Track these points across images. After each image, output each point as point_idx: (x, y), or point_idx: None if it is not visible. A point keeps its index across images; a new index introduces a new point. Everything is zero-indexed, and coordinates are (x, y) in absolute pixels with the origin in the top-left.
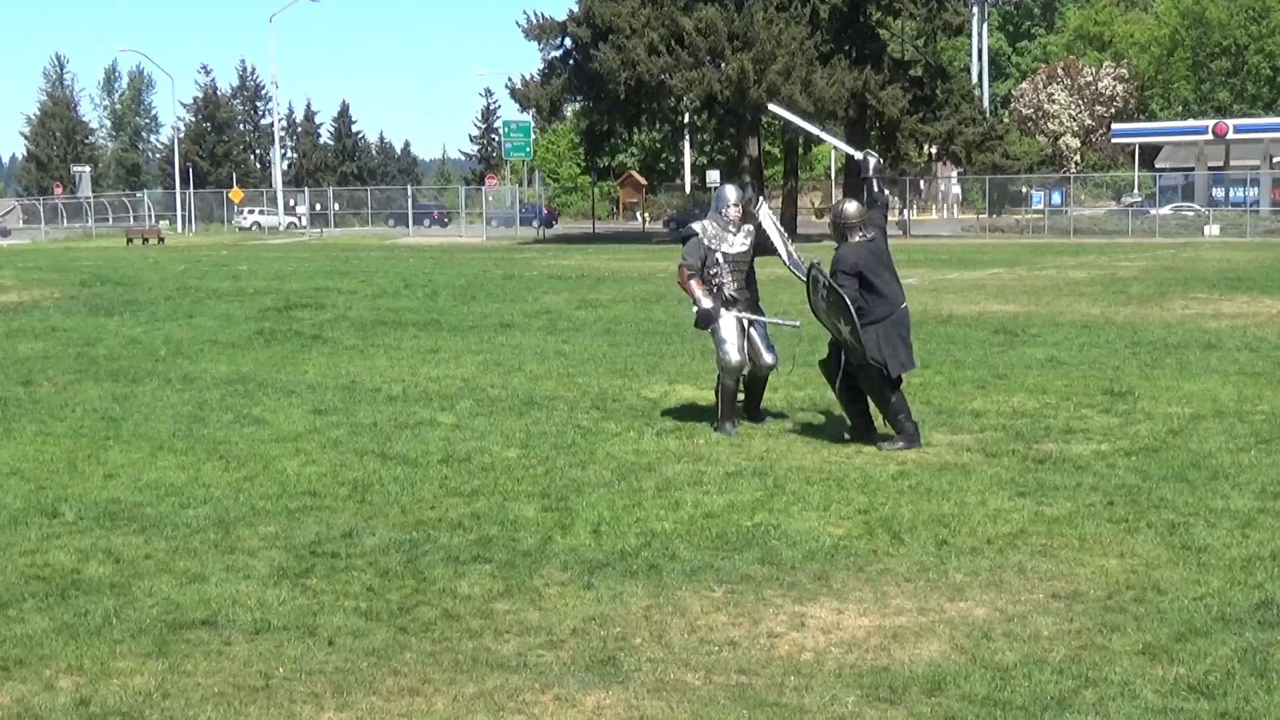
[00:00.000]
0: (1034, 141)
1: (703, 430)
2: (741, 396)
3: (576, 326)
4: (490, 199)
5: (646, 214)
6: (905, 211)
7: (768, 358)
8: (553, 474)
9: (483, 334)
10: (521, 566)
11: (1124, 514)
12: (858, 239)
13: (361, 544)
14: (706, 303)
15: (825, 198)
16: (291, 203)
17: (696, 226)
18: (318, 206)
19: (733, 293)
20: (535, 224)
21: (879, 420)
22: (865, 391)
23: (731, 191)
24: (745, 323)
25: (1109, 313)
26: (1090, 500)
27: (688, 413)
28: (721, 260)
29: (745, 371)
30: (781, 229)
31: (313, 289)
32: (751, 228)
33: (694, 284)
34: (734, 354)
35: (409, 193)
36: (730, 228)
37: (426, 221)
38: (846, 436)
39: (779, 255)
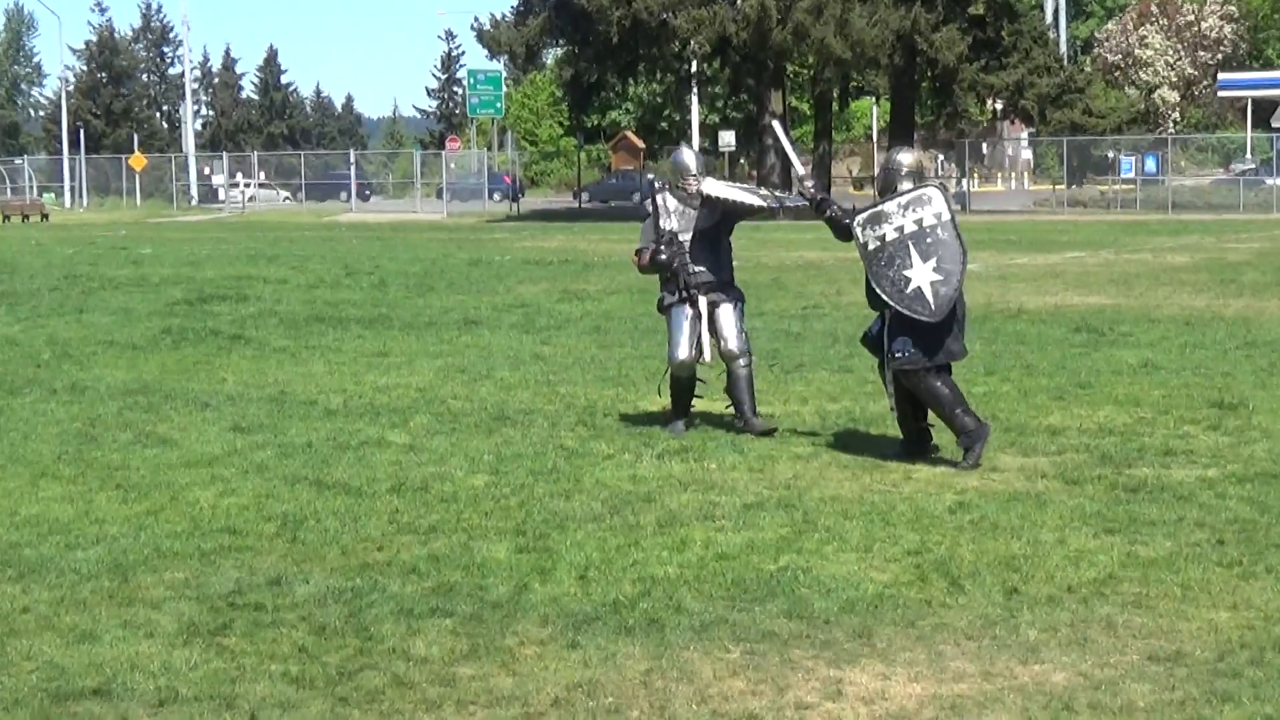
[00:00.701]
0: (1122, 95)
1: (716, 451)
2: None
3: (559, 323)
4: (452, 166)
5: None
6: (965, 182)
7: (733, 343)
8: (529, 506)
9: (443, 333)
10: (490, 621)
11: (1237, 556)
12: (909, 186)
13: (292, 593)
14: (647, 253)
15: (865, 164)
16: (206, 170)
17: (650, 204)
18: (239, 176)
19: (696, 277)
20: (497, 197)
21: (941, 438)
22: (912, 390)
23: (690, 158)
24: (709, 309)
25: (1216, 306)
26: (1195, 539)
27: (696, 429)
28: (683, 239)
29: (707, 360)
30: (740, 185)
31: (233, 277)
32: (717, 199)
33: (643, 257)
34: (681, 351)
35: (352, 158)
36: (693, 201)
37: (343, 194)
38: (898, 455)
39: (755, 206)
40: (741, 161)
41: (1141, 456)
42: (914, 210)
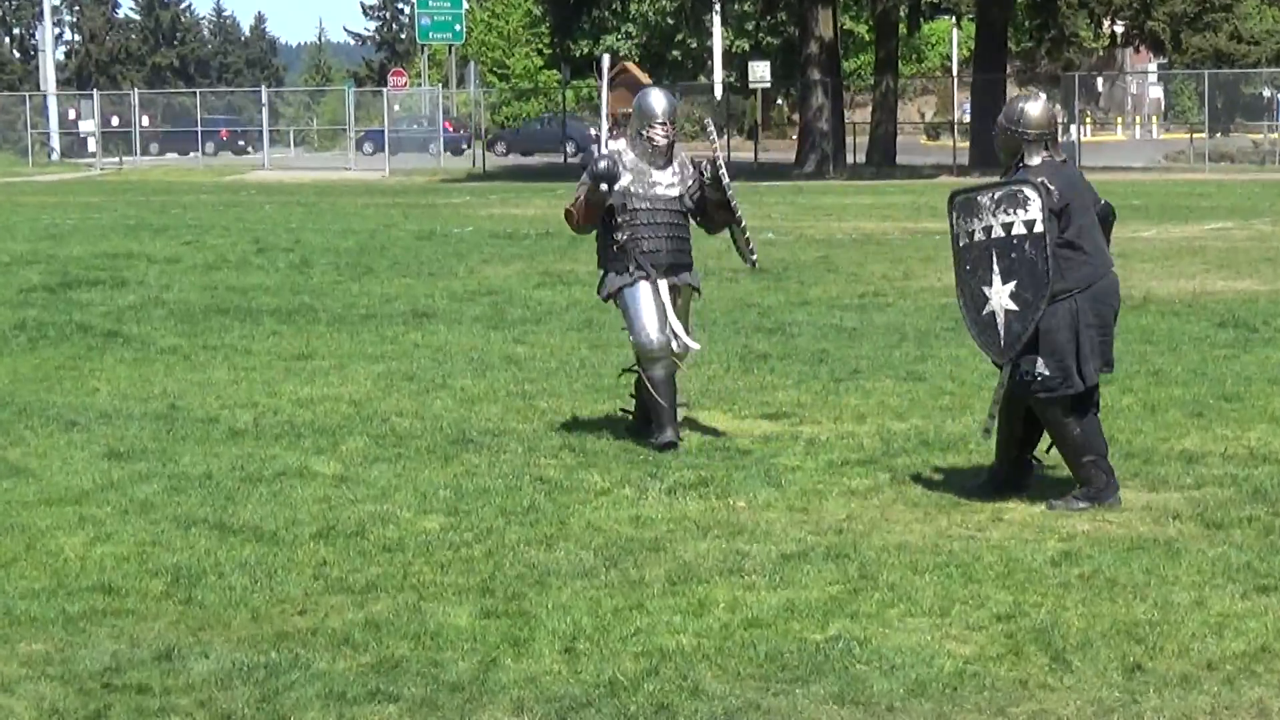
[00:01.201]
0: None
1: (744, 485)
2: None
3: (537, 316)
4: (396, 108)
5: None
6: (1074, 129)
7: (685, 342)
8: (498, 557)
9: (384, 329)
10: (448, 708)
11: None
12: (1041, 159)
13: (186, 672)
14: (600, 165)
15: (942, 106)
16: (71, 114)
17: (598, 152)
18: (114, 121)
19: (650, 258)
20: (432, 149)
21: (1049, 463)
22: (1039, 416)
23: (658, 101)
24: (669, 293)
25: None
26: None
27: (719, 455)
28: (633, 205)
29: (676, 351)
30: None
31: (107, 255)
32: (690, 161)
33: (577, 201)
34: (651, 332)
35: (264, 98)
36: (657, 159)
37: (211, 146)
38: (983, 488)
39: (730, 207)
40: (779, 102)
41: None
42: (1005, 211)
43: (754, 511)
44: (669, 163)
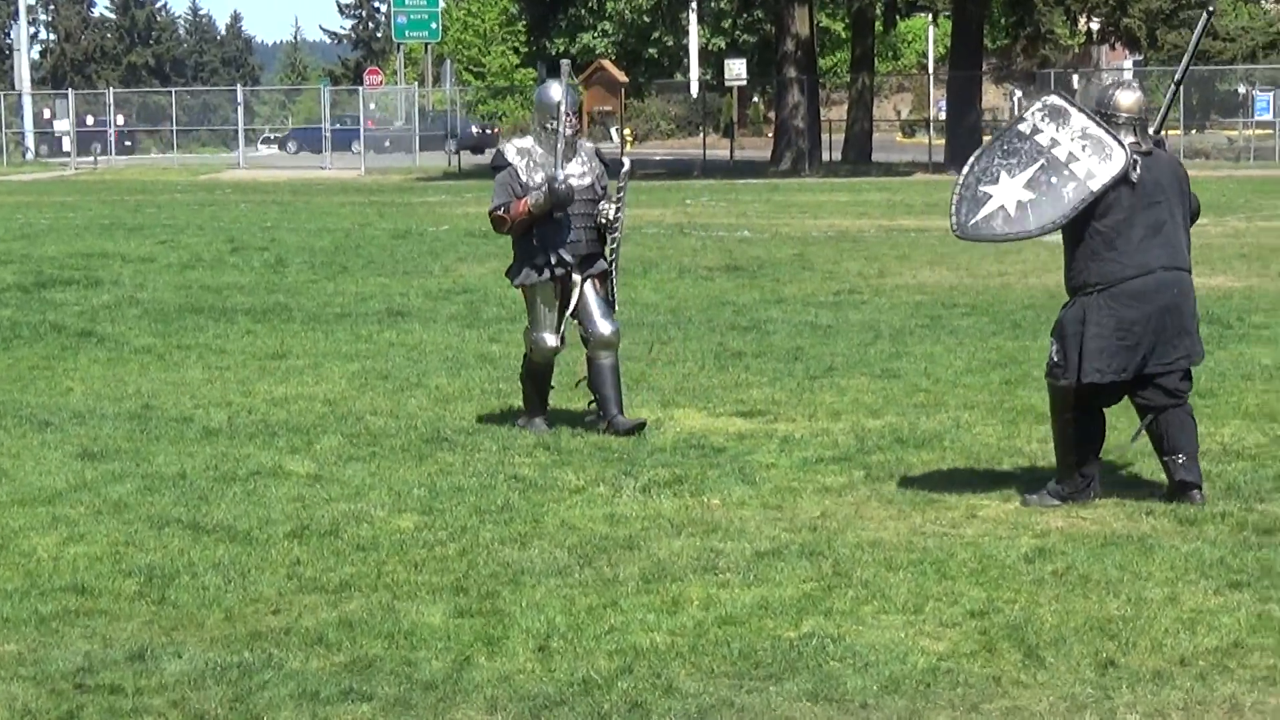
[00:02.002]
0: (1258, 12)
1: (719, 482)
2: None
3: (513, 314)
4: (372, 106)
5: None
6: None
7: (604, 326)
8: (472, 555)
9: (359, 328)
10: (421, 707)
11: None
12: (1129, 144)
13: (160, 672)
14: (544, 194)
15: (918, 103)
16: (47, 113)
17: (511, 152)
18: (90, 120)
19: (570, 249)
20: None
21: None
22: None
23: (558, 93)
24: (582, 287)
25: None
26: None
27: (694, 453)
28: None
29: (609, 339)
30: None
31: (81, 255)
32: (594, 150)
33: (511, 206)
34: (548, 337)
35: (240, 97)
36: (565, 151)
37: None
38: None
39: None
40: (755, 100)
41: (1279, 488)
42: (1085, 147)
43: (728, 509)
44: (575, 153)
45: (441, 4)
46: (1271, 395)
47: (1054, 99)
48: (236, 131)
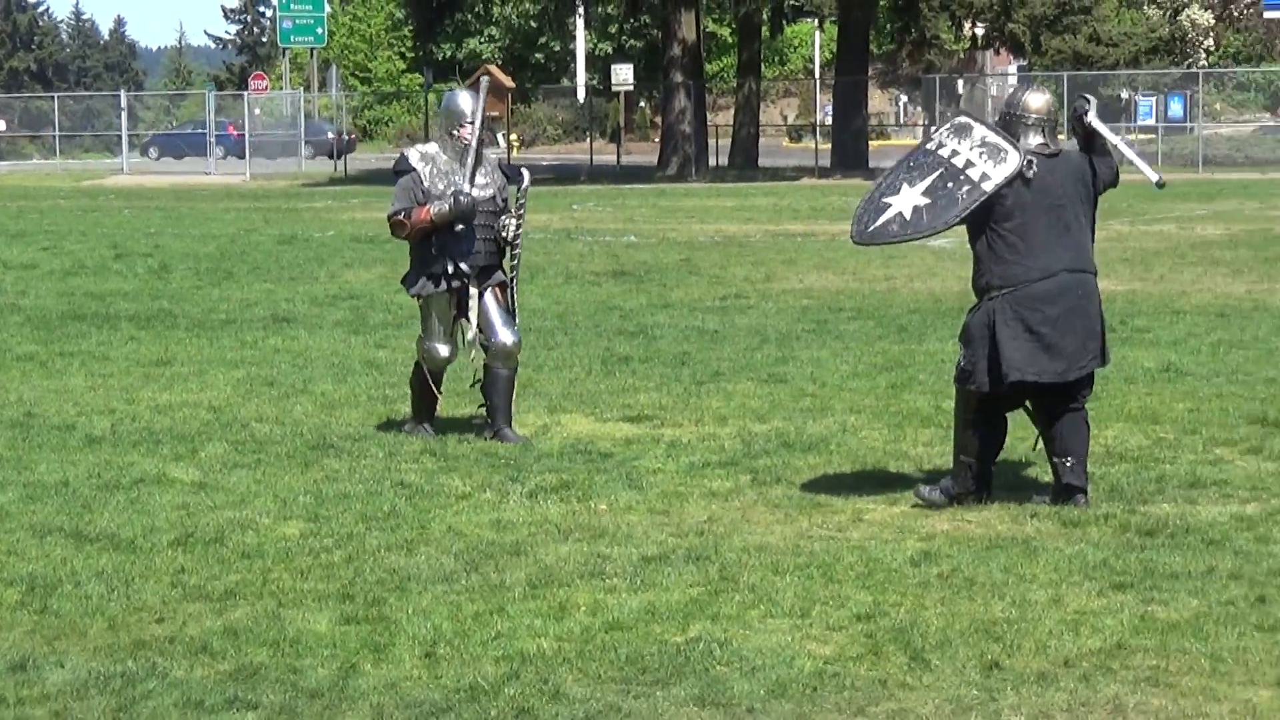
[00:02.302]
0: (1140, 17)
1: (606, 488)
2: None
3: (398, 321)
4: (257, 112)
5: (513, 136)
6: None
7: (506, 336)
8: (359, 562)
9: (244, 334)
10: (308, 715)
11: None
12: (1035, 145)
13: (42, 682)
14: (448, 204)
15: (804, 108)
16: None
17: (414, 157)
18: None
19: (469, 259)
20: (221, 152)
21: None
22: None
23: (466, 101)
24: (482, 298)
25: (1260, 293)
26: (1228, 595)
27: (581, 458)
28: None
29: (510, 348)
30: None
31: None
32: (497, 161)
33: (412, 212)
34: (441, 349)
35: (123, 102)
36: (465, 156)
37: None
38: (931, 495)
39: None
40: (642, 105)
41: (1161, 489)
42: (982, 153)
43: (615, 514)
44: (480, 164)
45: (327, 9)
46: (1154, 398)
47: (962, 118)
48: (120, 137)
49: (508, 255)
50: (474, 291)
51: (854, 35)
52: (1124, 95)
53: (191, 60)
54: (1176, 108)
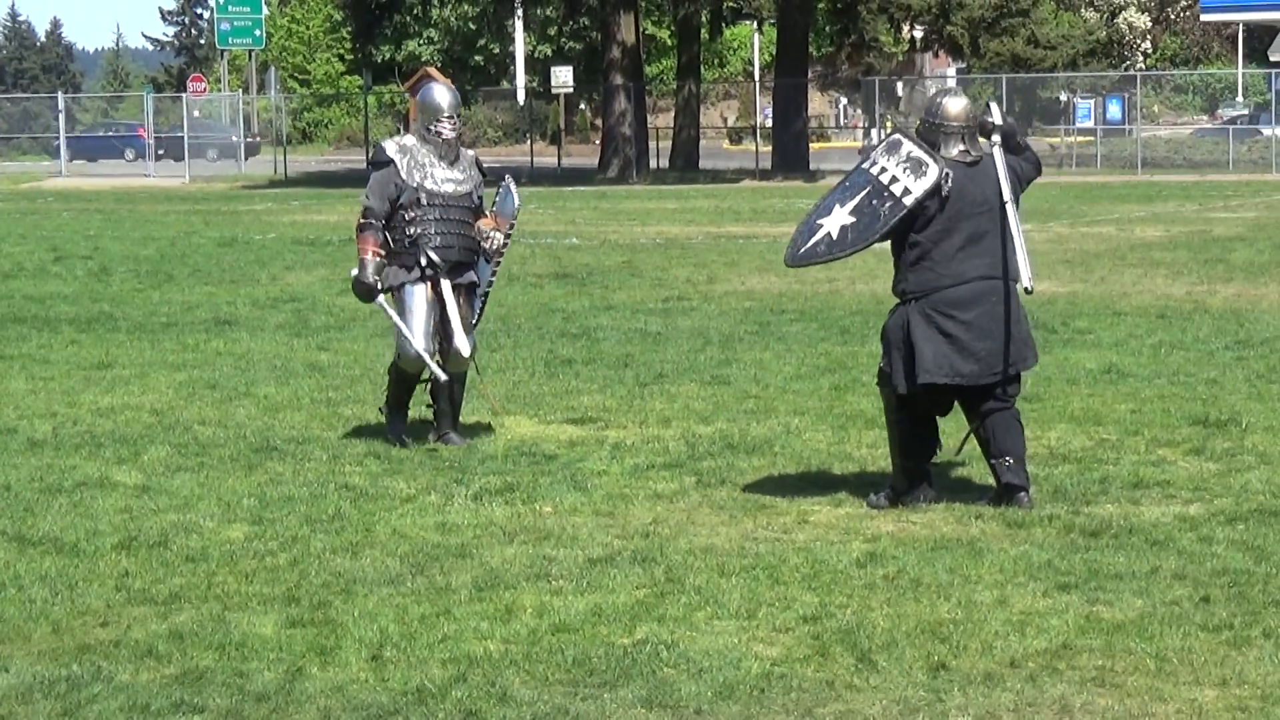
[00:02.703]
0: (1078, 20)
1: (551, 490)
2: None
3: (340, 323)
4: (196, 114)
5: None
6: (875, 132)
7: (462, 344)
8: (304, 565)
9: (186, 337)
10: (254, 718)
11: (1226, 617)
12: (954, 154)
13: None
14: (368, 273)
15: (744, 110)
16: None
17: (392, 148)
18: None
19: (441, 253)
20: (130, 154)
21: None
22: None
23: (444, 95)
24: (450, 297)
25: (1199, 294)
26: (1173, 595)
27: (525, 460)
28: (425, 201)
29: (466, 355)
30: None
31: None
32: (475, 158)
33: (366, 237)
34: (414, 342)
35: (61, 104)
36: (447, 154)
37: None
38: (880, 501)
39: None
40: (582, 107)
41: (1104, 490)
42: (905, 168)
43: (560, 516)
44: (457, 158)
45: (265, 11)
46: (1096, 399)
47: (895, 134)
48: (58, 139)
49: (488, 268)
50: (446, 284)
51: (793, 38)
52: (1063, 98)
53: (129, 62)
54: (1115, 110)
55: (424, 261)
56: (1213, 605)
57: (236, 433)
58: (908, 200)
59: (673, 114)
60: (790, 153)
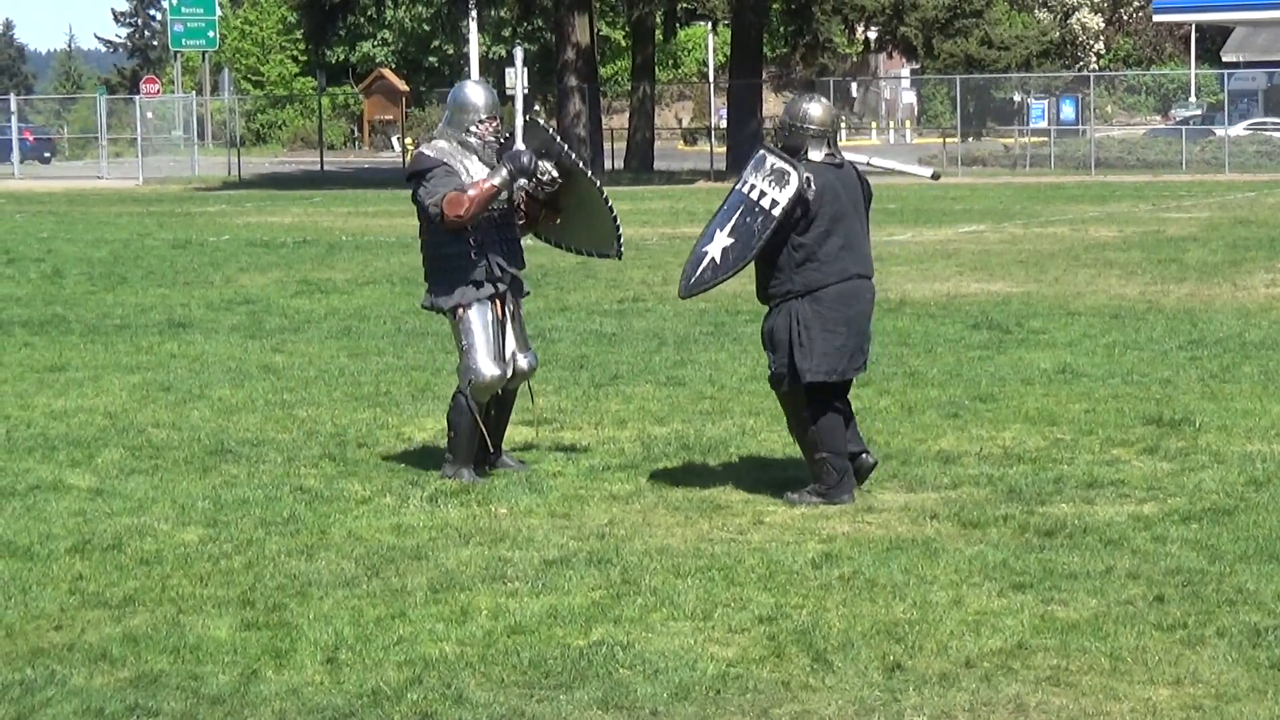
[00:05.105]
0: (1032, 21)
1: (506, 492)
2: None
3: (295, 325)
4: (149, 116)
5: (408, 139)
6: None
7: (524, 360)
8: (259, 568)
9: (139, 339)
10: None
11: (1180, 616)
12: (820, 157)
13: None
14: (522, 159)
15: (699, 111)
16: None
17: (432, 153)
18: None
19: (507, 260)
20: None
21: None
22: (782, 409)
23: (480, 94)
24: (509, 311)
25: (1153, 294)
26: (1127, 594)
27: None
28: (489, 210)
29: (527, 370)
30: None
31: None
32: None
33: (475, 190)
34: (489, 364)
35: (12, 105)
36: (490, 158)
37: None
38: (794, 499)
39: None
40: (536, 108)
41: (1059, 490)
42: (769, 180)
43: (516, 518)
44: (498, 161)
45: (219, 12)
46: (1050, 399)
47: (760, 151)
48: (10, 141)
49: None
50: (510, 300)
51: (747, 39)
52: (1016, 98)
53: (82, 64)
54: (1069, 110)
55: (497, 272)
56: (1167, 604)
57: (191, 435)
58: (776, 212)
59: (627, 115)
60: (745, 153)
